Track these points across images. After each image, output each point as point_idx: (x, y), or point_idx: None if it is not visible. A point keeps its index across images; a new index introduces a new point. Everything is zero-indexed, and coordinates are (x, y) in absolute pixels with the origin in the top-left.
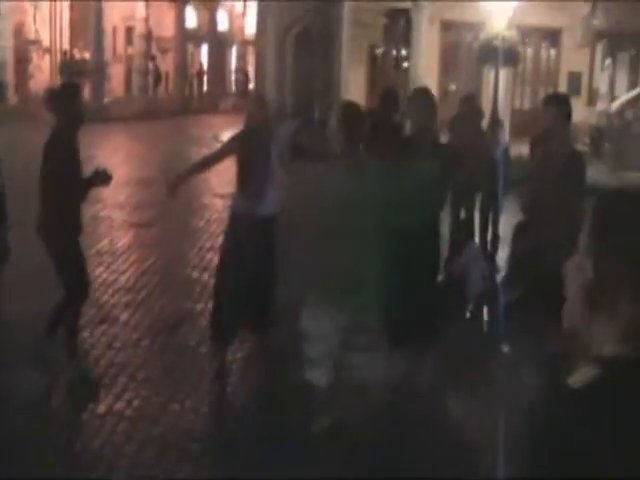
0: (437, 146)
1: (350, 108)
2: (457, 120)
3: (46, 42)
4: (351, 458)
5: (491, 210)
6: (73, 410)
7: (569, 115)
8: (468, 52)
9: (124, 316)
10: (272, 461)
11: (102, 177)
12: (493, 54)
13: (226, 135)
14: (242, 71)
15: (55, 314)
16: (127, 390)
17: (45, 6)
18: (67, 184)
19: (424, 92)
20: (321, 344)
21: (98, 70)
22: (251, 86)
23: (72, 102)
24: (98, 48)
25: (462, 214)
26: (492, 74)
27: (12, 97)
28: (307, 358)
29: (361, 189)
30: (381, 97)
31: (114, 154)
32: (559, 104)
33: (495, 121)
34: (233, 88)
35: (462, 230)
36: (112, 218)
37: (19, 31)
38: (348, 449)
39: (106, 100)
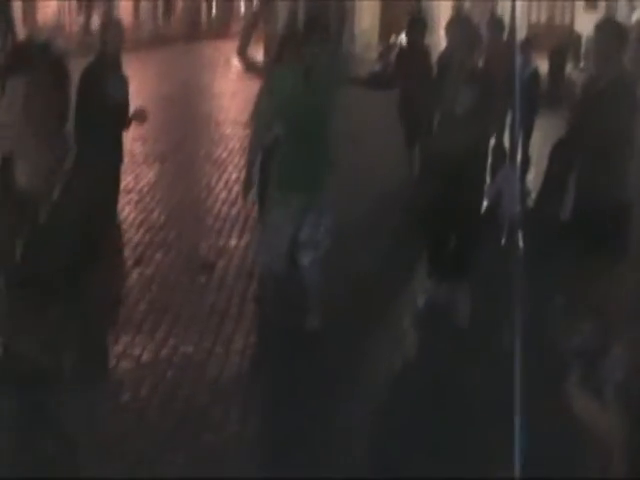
0: (475, 73)
1: None
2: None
3: None
4: None
5: (520, 132)
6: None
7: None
8: None
9: (158, 256)
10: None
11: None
12: None
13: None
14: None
15: None
16: (171, 335)
17: None
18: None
19: (463, 21)
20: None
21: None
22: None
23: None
24: None
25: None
26: None
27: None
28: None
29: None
30: (408, 24)
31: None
32: None
33: (525, 42)
34: (242, 11)
35: (494, 154)
36: (133, 152)
37: None
38: None
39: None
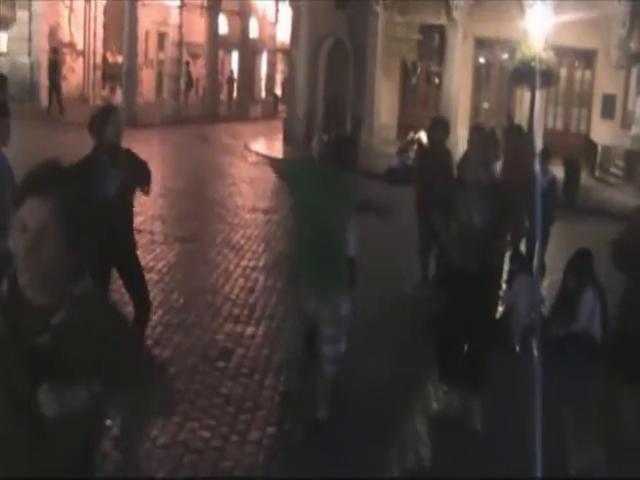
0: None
1: None
2: (507, 152)
3: (80, 45)
4: None
5: (537, 241)
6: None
7: None
8: (502, 70)
9: (176, 338)
10: None
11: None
12: (530, 74)
13: (256, 145)
14: (272, 93)
15: None
16: (189, 419)
17: (80, 9)
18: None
19: (486, 131)
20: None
21: (130, 74)
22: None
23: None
24: (130, 52)
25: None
26: (525, 93)
27: (45, 99)
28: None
29: None
30: (431, 125)
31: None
32: None
33: (544, 151)
34: (263, 95)
35: (511, 261)
36: (153, 232)
37: (53, 33)
38: None
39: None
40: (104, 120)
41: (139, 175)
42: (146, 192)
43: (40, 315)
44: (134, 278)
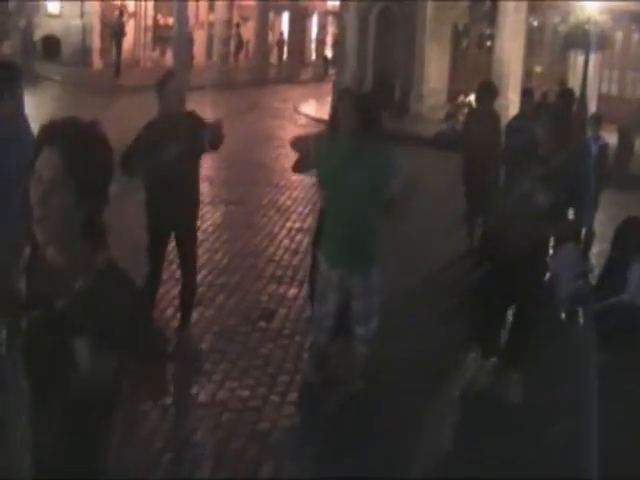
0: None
1: None
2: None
3: (131, 7)
4: None
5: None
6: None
7: None
8: (555, 33)
9: (220, 299)
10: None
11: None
12: (583, 38)
13: (306, 107)
14: (322, 56)
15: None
16: (228, 379)
17: None
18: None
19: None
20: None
21: (180, 36)
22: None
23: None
24: (181, 14)
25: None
26: (579, 57)
27: (97, 62)
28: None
29: None
30: (478, 89)
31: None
32: None
33: (595, 116)
34: (313, 58)
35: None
36: (201, 193)
37: None
38: None
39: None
40: (164, 85)
41: (202, 140)
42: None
43: (60, 278)
44: (188, 251)
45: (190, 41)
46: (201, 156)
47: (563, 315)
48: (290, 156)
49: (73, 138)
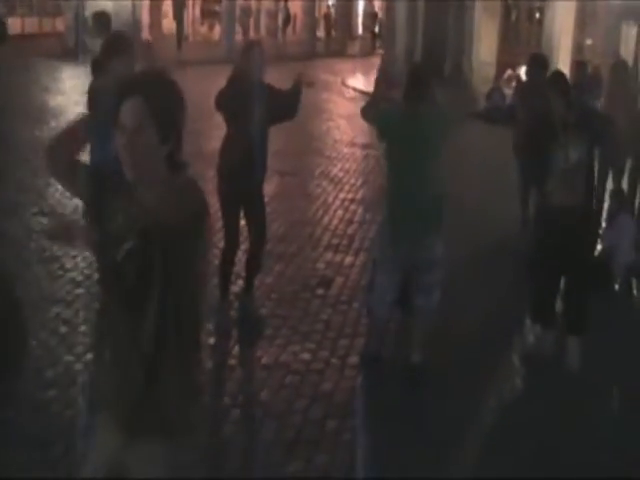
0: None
1: None
2: (612, 86)
3: None
4: None
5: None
6: (240, 358)
7: None
8: (607, 6)
9: (278, 267)
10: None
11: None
12: (636, 10)
13: (354, 81)
14: (369, 30)
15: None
16: (291, 343)
17: None
18: None
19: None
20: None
21: (229, 11)
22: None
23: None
24: None
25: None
26: (632, 30)
27: (146, 36)
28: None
29: None
30: (529, 62)
31: None
32: None
33: None
34: (360, 32)
35: (613, 201)
36: None
37: None
38: None
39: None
40: (248, 53)
41: (278, 109)
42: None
43: (144, 207)
44: (258, 218)
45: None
46: (271, 125)
47: (617, 286)
48: (340, 128)
49: (152, 87)
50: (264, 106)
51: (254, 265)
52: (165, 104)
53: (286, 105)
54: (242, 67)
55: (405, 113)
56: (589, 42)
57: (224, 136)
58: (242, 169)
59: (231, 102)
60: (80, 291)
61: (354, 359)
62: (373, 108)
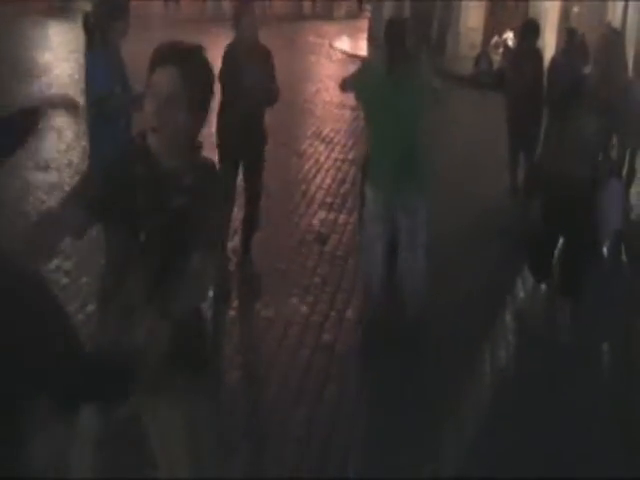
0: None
1: None
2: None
3: None
4: None
5: (630, 146)
6: (242, 311)
7: None
8: None
9: (276, 224)
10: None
11: None
12: None
13: (341, 43)
14: None
15: None
16: (291, 296)
17: None
18: None
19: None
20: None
21: None
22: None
23: None
24: None
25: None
26: None
27: None
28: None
29: None
30: (522, 27)
31: None
32: None
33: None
34: None
35: (602, 167)
36: None
37: None
38: None
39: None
40: (241, 16)
41: (272, 71)
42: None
43: (170, 178)
44: (255, 179)
45: None
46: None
47: (605, 250)
48: (329, 90)
49: (188, 58)
50: (259, 67)
51: (251, 226)
52: (199, 78)
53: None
54: (236, 33)
55: (381, 72)
56: (576, 9)
57: (220, 101)
58: (235, 131)
59: (226, 66)
60: (79, 244)
61: (352, 312)
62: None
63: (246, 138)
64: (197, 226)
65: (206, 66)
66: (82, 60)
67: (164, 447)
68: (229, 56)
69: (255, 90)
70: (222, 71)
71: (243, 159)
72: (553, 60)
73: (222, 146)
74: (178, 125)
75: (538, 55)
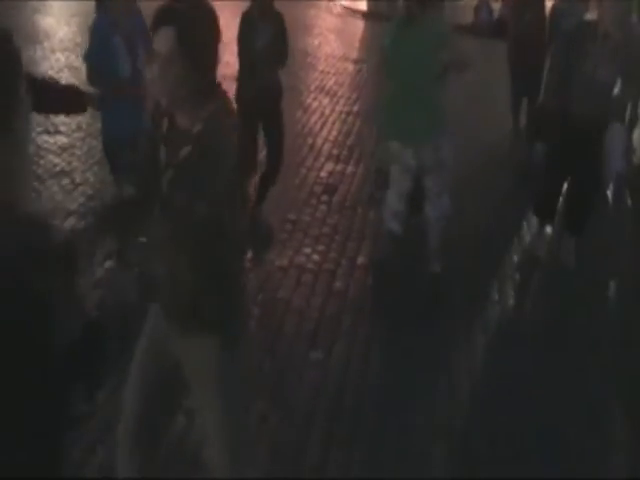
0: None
1: None
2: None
3: None
4: None
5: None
6: (256, 261)
7: None
8: None
9: (285, 175)
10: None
11: None
12: None
13: None
14: None
15: None
16: (303, 245)
17: None
18: None
19: None
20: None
21: None
22: None
23: None
24: None
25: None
26: None
27: None
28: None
29: None
30: None
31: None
32: None
33: None
34: None
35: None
36: None
37: None
38: None
39: None
40: None
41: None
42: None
43: (184, 134)
44: (276, 135)
45: None
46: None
47: (609, 193)
48: (331, 44)
49: (185, 16)
50: (273, 32)
51: (269, 179)
52: (198, 33)
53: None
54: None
55: (403, 18)
56: None
57: (239, 62)
58: (253, 89)
59: (242, 29)
60: (92, 204)
61: (362, 260)
62: None
63: (263, 95)
64: (209, 177)
65: (208, 14)
66: (83, 24)
67: (194, 378)
68: (245, 19)
69: (268, 50)
70: (240, 33)
71: (262, 115)
72: (554, 6)
73: (242, 104)
74: (181, 84)
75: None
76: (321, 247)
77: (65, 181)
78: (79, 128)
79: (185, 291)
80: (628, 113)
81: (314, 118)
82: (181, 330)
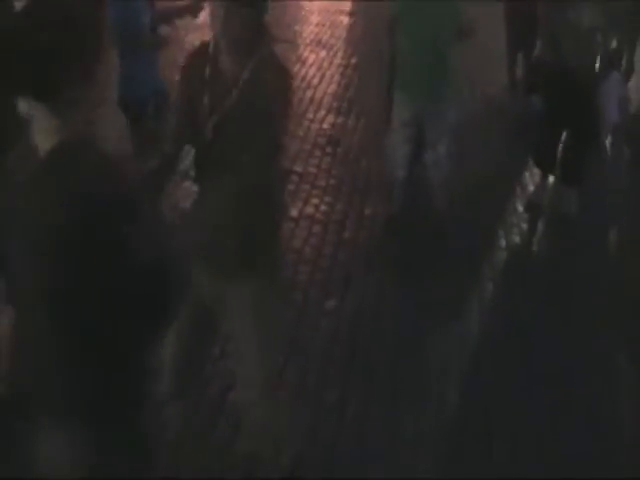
0: None
1: None
2: None
3: None
4: None
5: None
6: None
7: None
8: None
9: (290, 126)
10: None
11: None
12: None
13: None
14: None
15: None
16: (312, 197)
17: None
18: None
19: None
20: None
21: None
22: None
23: None
24: None
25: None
26: None
27: None
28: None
29: None
30: None
31: None
32: None
33: None
34: None
35: (603, 60)
36: None
37: None
38: None
39: None
40: None
41: None
42: None
43: (231, 77)
44: None
45: None
46: None
47: (608, 142)
48: None
49: None
50: None
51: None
52: None
53: None
54: None
55: None
56: None
57: None
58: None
59: None
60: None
61: (369, 211)
62: None
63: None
64: (261, 119)
65: None
66: None
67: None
68: None
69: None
70: None
71: None
72: None
73: None
74: (237, 29)
75: None
76: (328, 198)
77: None
78: None
79: (234, 234)
80: (624, 62)
81: (312, 71)
82: (226, 273)
